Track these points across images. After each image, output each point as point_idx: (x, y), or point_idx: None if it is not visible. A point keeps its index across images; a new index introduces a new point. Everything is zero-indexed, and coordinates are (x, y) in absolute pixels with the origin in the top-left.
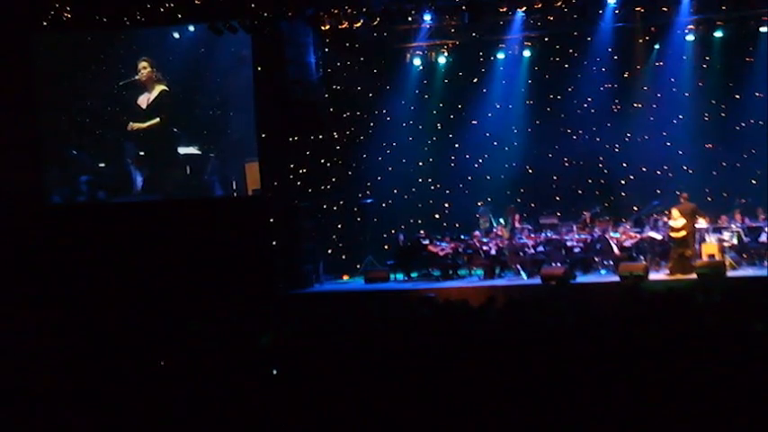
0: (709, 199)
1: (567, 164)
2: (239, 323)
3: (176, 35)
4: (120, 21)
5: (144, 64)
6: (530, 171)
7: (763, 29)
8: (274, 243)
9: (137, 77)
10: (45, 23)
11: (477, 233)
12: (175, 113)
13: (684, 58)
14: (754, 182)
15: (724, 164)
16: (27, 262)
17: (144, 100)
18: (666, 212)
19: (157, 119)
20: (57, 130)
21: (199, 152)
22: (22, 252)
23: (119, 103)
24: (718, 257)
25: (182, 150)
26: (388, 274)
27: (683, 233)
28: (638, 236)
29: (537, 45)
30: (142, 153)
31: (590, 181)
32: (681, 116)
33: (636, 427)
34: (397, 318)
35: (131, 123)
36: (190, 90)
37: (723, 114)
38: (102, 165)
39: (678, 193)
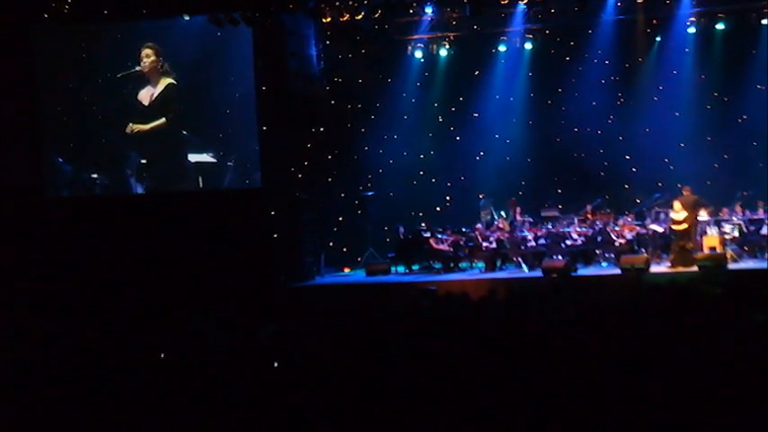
0: (711, 191)
1: (568, 156)
2: (240, 316)
3: (186, 17)
4: (121, 12)
5: (147, 51)
6: (531, 164)
7: (764, 21)
8: (275, 235)
9: (138, 68)
10: (46, 15)
11: (478, 226)
12: (185, 112)
13: (686, 50)
14: (755, 174)
15: (725, 156)
16: (26, 257)
17: (147, 96)
18: (670, 204)
19: (163, 119)
20: (49, 130)
21: (213, 160)
22: (21, 247)
23: (117, 100)
24: (719, 250)
25: (192, 158)
26: (389, 267)
27: (684, 226)
28: (640, 228)
29: (538, 38)
30: (144, 161)
31: (591, 173)
32: (682, 108)
33: (638, 418)
34: (398, 310)
35: (131, 124)
36: (202, 84)
37: (724, 107)
38: (96, 176)
39: (680, 186)
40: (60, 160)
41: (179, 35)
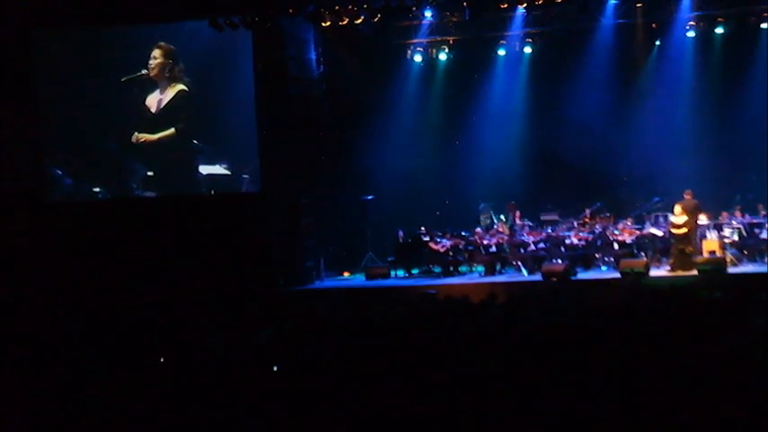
0: (710, 195)
1: (567, 160)
2: (240, 320)
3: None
4: (121, 16)
5: (156, 53)
6: (530, 167)
7: (763, 25)
8: (275, 239)
9: (144, 71)
10: (47, 19)
11: (477, 230)
12: (196, 120)
13: (686, 54)
14: (754, 178)
15: (725, 160)
16: (25, 261)
17: (154, 102)
18: (670, 208)
19: (172, 129)
20: (49, 139)
21: (227, 171)
22: (20, 251)
23: (122, 107)
24: (718, 254)
25: (204, 169)
26: (388, 271)
27: (684, 230)
28: (639, 232)
29: (538, 41)
30: (150, 173)
31: (591, 177)
32: (682, 112)
33: (637, 423)
34: (397, 314)
35: (137, 133)
36: (215, 89)
37: (724, 110)
38: (97, 189)
39: (682, 191)
40: (59, 172)
41: (188, 38)
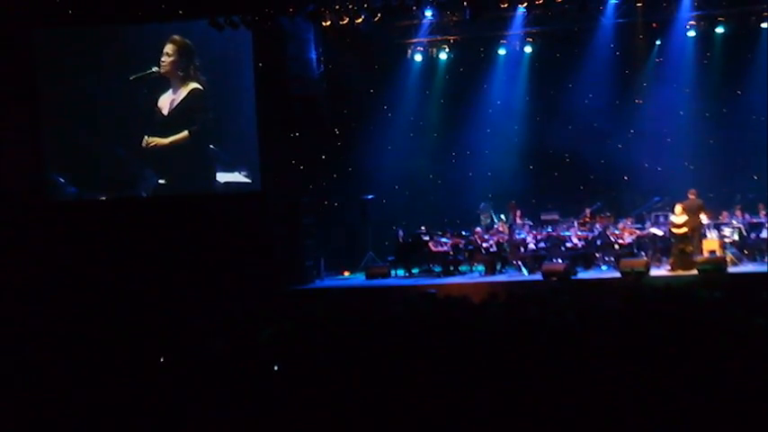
0: (711, 194)
1: (568, 160)
2: (240, 319)
3: None
4: (121, 16)
5: (170, 48)
6: (531, 167)
7: (764, 25)
8: (275, 239)
9: (155, 69)
10: (47, 19)
11: (478, 229)
12: (212, 123)
13: (686, 53)
14: (755, 177)
15: (725, 159)
16: (28, 259)
17: (167, 103)
18: (671, 208)
19: (185, 131)
20: (51, 145)
21: (247, 180)
22: (23, 250)
23: (130, 109)
24: (719, 253)
25: (221, 177)
26: (388, 270)
27: (684, 229)
28: (640, 232)
29: (538, 41)
30: (162, 181)
31: (591, 177)
32: (682, 112)
33: (637, 422)
34: (397, 314)
35: (147, 137)
36: (233, 90)
37: (724, 110)
38: (104, 198)
39: (682, 190)
40: (62, 180)
41: (203, 32)
